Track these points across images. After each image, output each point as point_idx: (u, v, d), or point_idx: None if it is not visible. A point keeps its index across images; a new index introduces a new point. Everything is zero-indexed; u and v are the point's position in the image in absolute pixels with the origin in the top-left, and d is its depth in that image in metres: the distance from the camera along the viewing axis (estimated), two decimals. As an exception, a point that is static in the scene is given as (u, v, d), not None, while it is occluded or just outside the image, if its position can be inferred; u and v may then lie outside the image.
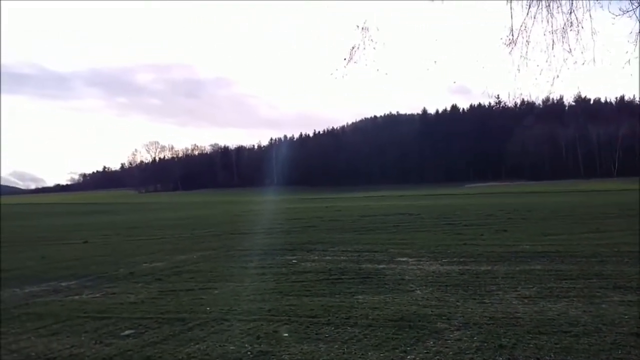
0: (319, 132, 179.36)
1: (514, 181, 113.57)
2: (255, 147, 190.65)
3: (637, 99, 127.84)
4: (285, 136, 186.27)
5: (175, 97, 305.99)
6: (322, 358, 5.13)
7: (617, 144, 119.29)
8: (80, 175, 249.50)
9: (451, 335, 5.65)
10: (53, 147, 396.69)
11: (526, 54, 7.83)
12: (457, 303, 7.10)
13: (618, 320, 6.01)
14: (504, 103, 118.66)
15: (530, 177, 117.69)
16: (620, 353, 4.97)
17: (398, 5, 8.77)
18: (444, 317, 6.35)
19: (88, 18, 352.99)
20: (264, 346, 5.50)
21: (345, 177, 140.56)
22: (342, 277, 9.40)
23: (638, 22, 7.24)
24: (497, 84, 10.41)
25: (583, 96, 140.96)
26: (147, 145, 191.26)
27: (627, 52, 7.43)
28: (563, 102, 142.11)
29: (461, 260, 10.93)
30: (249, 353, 5.33)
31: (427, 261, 10.94)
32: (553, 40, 7.65)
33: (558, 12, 7.58)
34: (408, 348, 5.30)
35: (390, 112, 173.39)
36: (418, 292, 7.95)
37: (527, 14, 7.66)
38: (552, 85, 7.97)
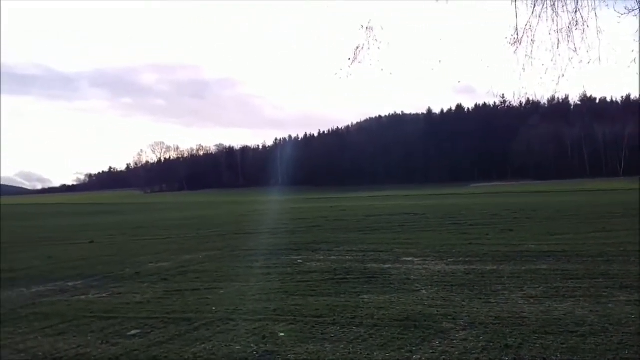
0: (324, 132, 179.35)
1: (519, 181, 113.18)
2: (260, 147, 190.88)
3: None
4: (290, 136, 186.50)
5: (180, 97, 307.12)
6: (327, 358, 5.13)
7: (623, 143, 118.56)
8: (86, 175, 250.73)
9: (457, 335, 5.64)
10: (59, 148, 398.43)
11: (531, 53, 7.80)
12: (463, 303, 7.08)
13: (625, 320, 5.98)
14: (509, 102, 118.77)
15: (536, 177, 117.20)
16: (627, 353, 4.95)
17: (402, 5, 8.77)
18: (449, 317, 6.34)
19: (93, 19, 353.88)
20: (269, 346, 5.51)
21: (350, 177, 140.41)
22: (348, 276, 9.40)
23: (642, 21, 7.20)
24: (502, 84, 10.39)
25: (589, 95, 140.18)
26: (152, 145, 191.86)
27: (632, 50, 7.39)
28: (569, 101, 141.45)
29: (467, 259, 10.91)
30: (254, 353, 5.34)
31: (432, 261, 10.93)
32: (558, 40, 7.63)
33: (563, 11, 7.55)
34: (414, 348, 5.29)
35: (395, 112, 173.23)
36: (424, 291, 7.94)
37: (532, 13, 7.63)
38: (557, 84, 7.93)
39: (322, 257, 12.06)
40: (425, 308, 6.84)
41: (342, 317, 6.53)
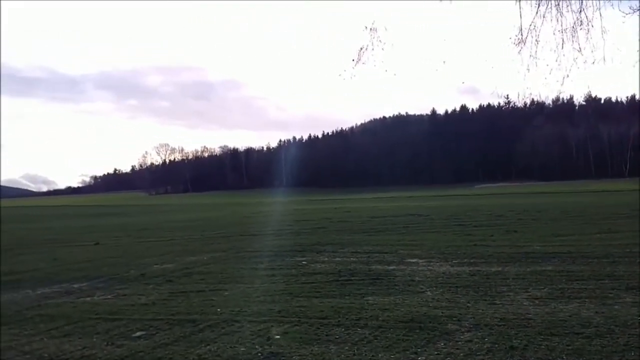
0: (328, 133, 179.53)
1: (524, 182, 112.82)
2: (264, 148, 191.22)
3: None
4: (294, 137, 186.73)
5: (184, 99, 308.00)
6: (332, 359, 5.13)
7: (629, 144, 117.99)
8: (91, 177, 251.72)
9: (462, 337, 5.62)
10: (64, 150, 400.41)
11: (535, 54, 7.80)
12: (468, 304, 7.06)
13: (631, 321, 5.95)
14: (514, 103, 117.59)
15: (541, 178, 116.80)
16: (633, 355, 4.92)
17: (406, 6, 8.77)
18: (454, 319, 6.32)
19: (98, 21, 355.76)
20: (274, 347, 5.51)
21: (354, 178, 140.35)
22: (352, 278, 9.39)
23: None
24: (507, 84, 10.38)
25: (593, 95, 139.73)
26: (157, 147, 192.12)
27: (637, 50, 7.37)
28: (573, 101, 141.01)
29: (471, 261, 10.88)
30: (259, 354, 5.34)
31: (437, 262, 10.90)
32: (563, 40, 7.62)
33: (568, 11, 7.55)
34: (419, 349, 5.28)
35: (399, 113, 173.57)
36: (428, 293, 7.92)
37: (537, 13, 7.63)
38: (562, 84, 7.94)
39: (326, 259, 12.05)
40: (430, 309, 6.83)
41: (347, 318, 6.52)
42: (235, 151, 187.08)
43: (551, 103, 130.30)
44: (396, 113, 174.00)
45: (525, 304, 6.98)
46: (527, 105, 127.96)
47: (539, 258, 10.85)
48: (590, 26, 7.40)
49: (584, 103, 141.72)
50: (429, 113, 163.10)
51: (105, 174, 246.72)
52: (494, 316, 6.36)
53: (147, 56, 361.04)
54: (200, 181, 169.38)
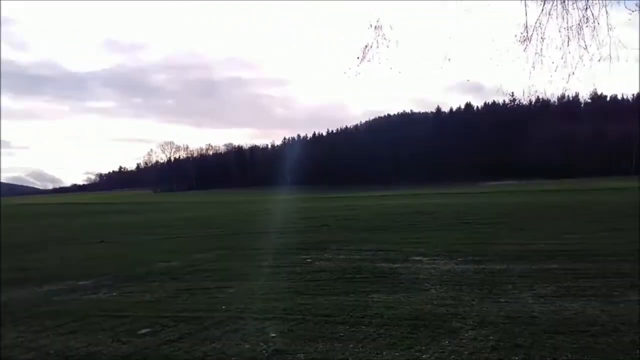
0: (333, 131, 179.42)
1: (529, 179, 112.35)
2: (269, 146, 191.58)
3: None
4: (298, 135, 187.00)
5: (189, 97, 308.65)
6: (337, 357, 5.13)
7: (635, 142, 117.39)
8: (97, 175, 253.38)
9: (466, 335, 5.62)
10: (70, 148, 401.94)
11: (541, 51, 7.77)
12: (473, 302, 7.06)
13: (637, 319, 5.93)
14: (519, 101, 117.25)
15: (546, 176, 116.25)
16: (639, 353, 4.91)
17: (411, 4, 8.75)
18: (459, 316, 6.32)
19: (104, 19, 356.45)
20: (279, 345, 5.52)
21: (359, 176, 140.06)
22: (357, 276, 9.39)
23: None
24: (512, 82, 10.34)
25: (599, 93, 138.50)
26: (162, 145, 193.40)
27: (638, 49, 7.34)
28: (579, 99, 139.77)
29: (476, 259, 10.86)
30: (264, 352, 5.35)
31: (442, 260, 10.89)
32: (568, 37, 7.59)
33: (573, 9, 7.52)
34: (423, 347, 5.28)
35: (404, 111, 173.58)
36: (433, 291, 7.91)
37: (542, 10, 7.61)
38: (567, 82, 7.89)
39: (331, 257, 12.06)
40: (434, 307, 6.83)
41: (352, 316, 6.53)
42: (240, 149, 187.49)
43: (556, 101, 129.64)
44: (401, 111, 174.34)
45: (530, 301, 6.97)
46: (533, 103, 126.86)
47: (545, 256, 10.81)
48: (596, 23, 7.37)
49: (589, 101, 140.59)
50: (434, 111, 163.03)
51: (111, 171, 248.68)
52: (499, 314, 6.35)
53: (152, 54, 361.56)
54: (205, 179, 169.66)
